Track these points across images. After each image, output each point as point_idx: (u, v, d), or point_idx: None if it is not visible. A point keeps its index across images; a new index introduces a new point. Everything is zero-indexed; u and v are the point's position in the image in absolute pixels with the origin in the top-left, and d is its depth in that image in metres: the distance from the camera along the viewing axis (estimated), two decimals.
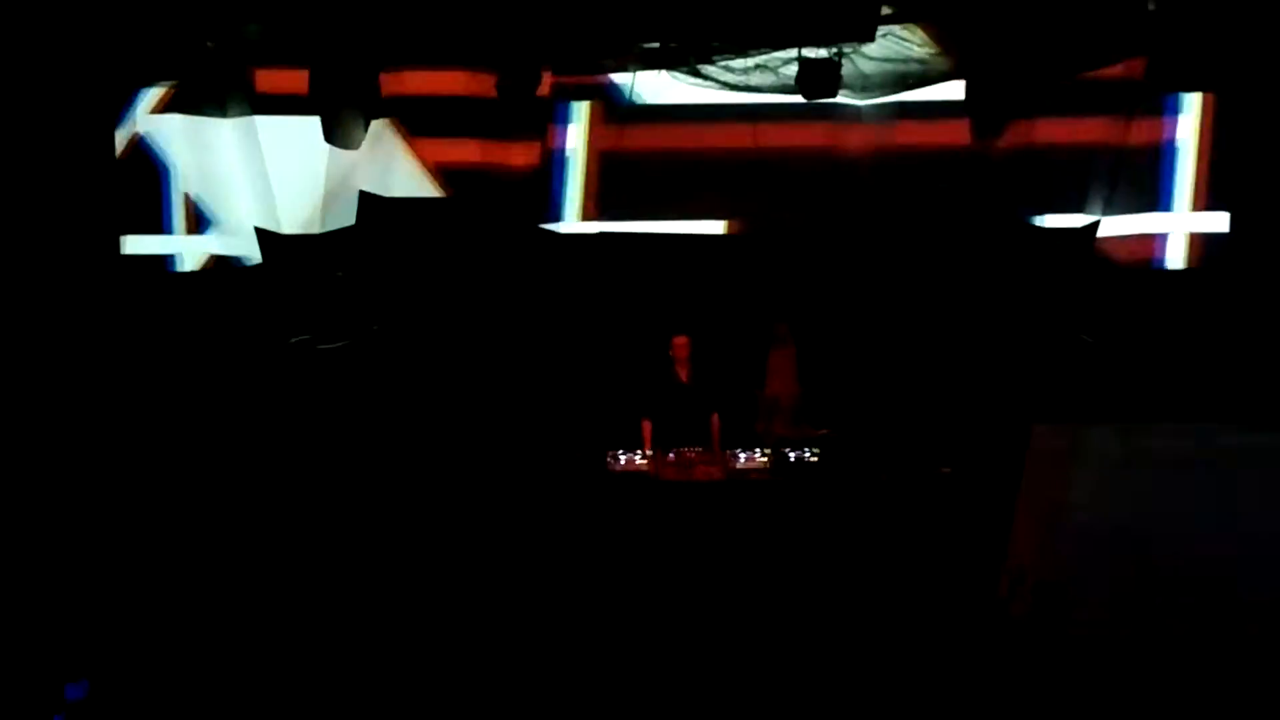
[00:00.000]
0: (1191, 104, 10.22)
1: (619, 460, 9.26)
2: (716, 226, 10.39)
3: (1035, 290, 10.04)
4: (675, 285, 10.57)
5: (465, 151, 10.23)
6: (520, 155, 10.25)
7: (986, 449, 9.26)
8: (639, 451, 9.36)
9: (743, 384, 10.09)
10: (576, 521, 8.93)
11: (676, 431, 9.71)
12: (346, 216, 9.92)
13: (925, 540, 8.78)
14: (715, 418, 9.89)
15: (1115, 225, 9.97)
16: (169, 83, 9.63)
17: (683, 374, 9.93)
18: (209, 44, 9.22)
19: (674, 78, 9.86)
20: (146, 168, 9.64)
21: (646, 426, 9.82)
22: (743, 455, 9.33)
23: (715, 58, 9.59)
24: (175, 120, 9.80)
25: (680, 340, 9.87)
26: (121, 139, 9.67)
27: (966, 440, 9.48)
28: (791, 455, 9.25)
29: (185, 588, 8.60)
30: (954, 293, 10.30)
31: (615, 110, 10.32)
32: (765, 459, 9.28)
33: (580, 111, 10.27)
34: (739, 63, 9.72)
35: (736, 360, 10.28)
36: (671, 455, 9.37)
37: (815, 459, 9.24)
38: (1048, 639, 8.29)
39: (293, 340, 9.72)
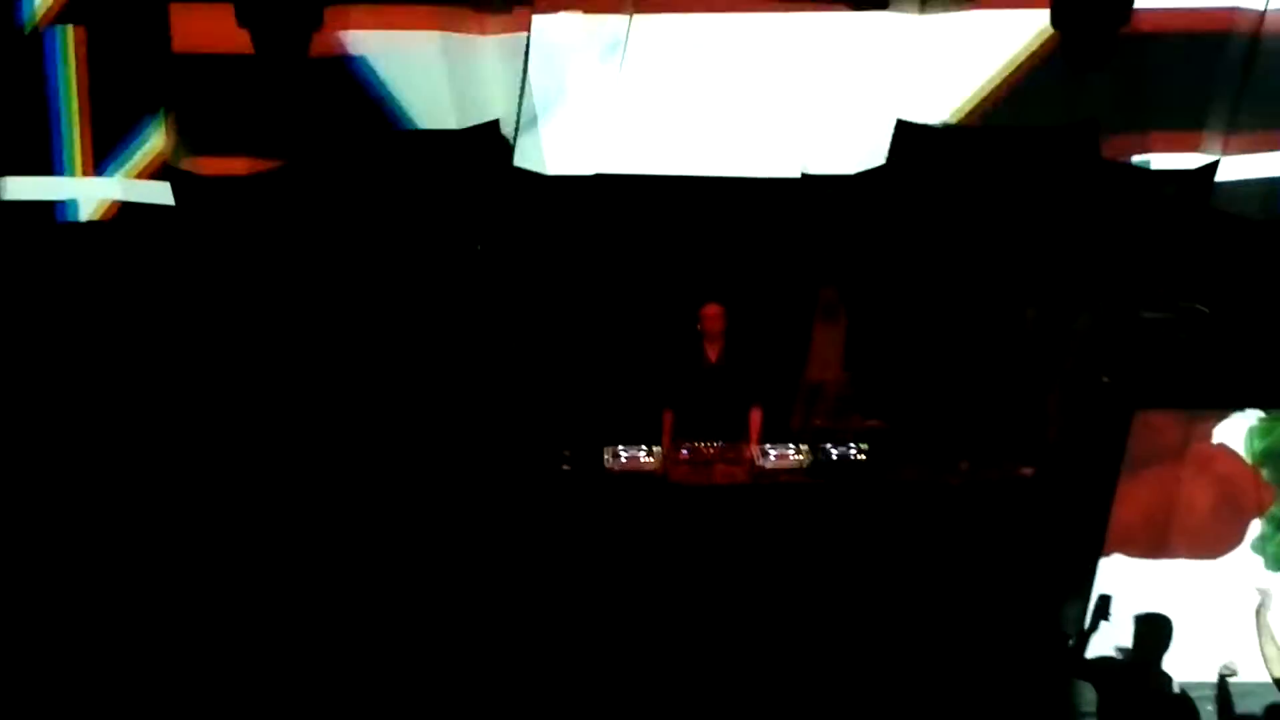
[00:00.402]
0: None
1: (619, 458, 7.89)
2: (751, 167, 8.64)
3: (1139, 248, 8.61)
4: (703, 239, 9.03)
5: None
6: None
7: (1077, 444, 8.08)
8: (644, 447, 7.95)
9: (784, 366, 8.81)
10: (564, 535, 7.62)
11: (702, 423, 8.26)
12: None
13: (999, 561, 7.58)
14: (756, 413, 8.32)
15: (1238, 167, 8.32)
16: None
17: (712, 352, 8.43)
18: None
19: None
20: (35, 88, 7.87)
21: (668, 418, 8.32)
22: (772, 452, 7.98)
23: None
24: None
25: (712, 310, 8.39)
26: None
27: (1052, 433, 8.32)
28: (834, 452, 7.94)
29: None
30: (1039, 250, 8.82)
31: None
32: (800, 457, 7.96)
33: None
34: None
35: (776, 335, 8.93)
36: (685, 452, 8.01)
37: (862, 457, 7.95)
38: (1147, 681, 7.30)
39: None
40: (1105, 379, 8.17)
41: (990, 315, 9.06)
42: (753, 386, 8.41)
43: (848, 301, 8.94)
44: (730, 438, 8.14)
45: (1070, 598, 7.68)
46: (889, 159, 7.87)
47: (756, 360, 8.53)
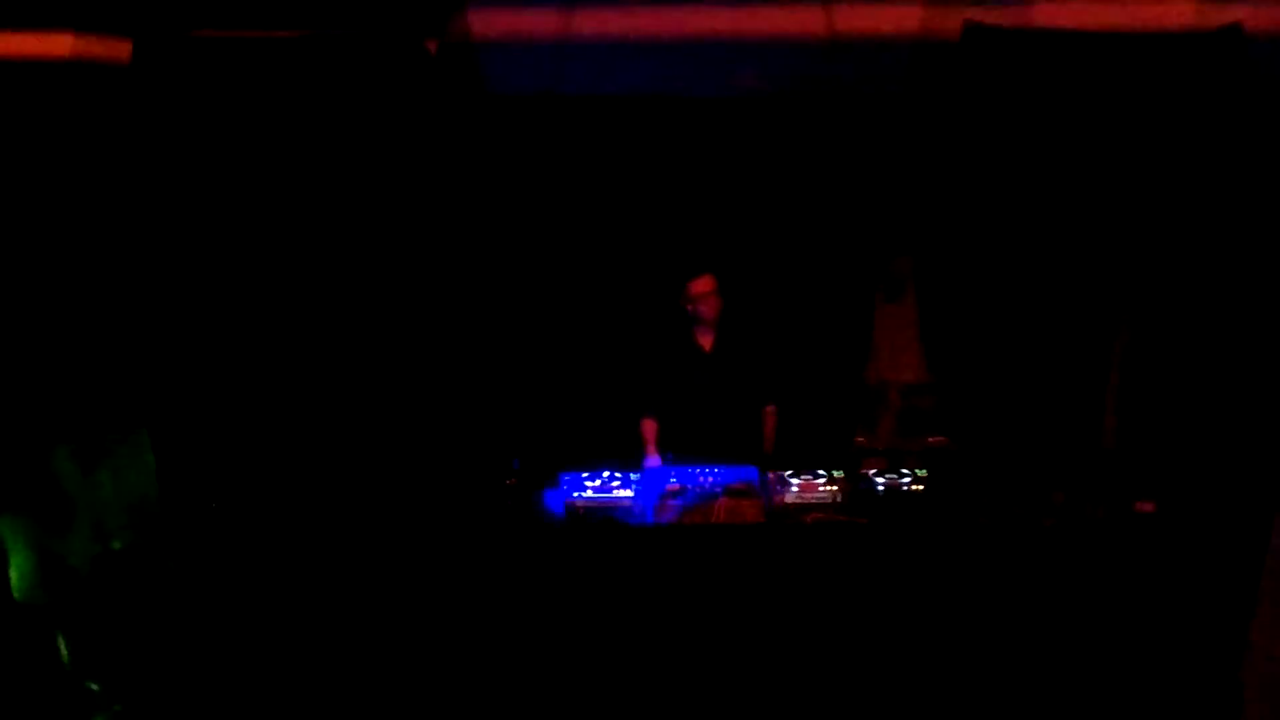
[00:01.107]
0: None
1: (584, 489, 6.20)
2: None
3: None
4: (693, 187, 7.62)
5: None
6: None
7: (1214, 473, 6.42)
8: (617, 473, 6.30)
9: (809, 359, 7.42)
10: (508, 596, 5.81)
11: (694, 435, 6.77)
12: None
13: (1109, 636, 5.79)
14: (770, 412, 6.99)
15: None
16: None
17: (705, 340, 7.02)
18: None
19: None
20: None
21: (649, 429, 6.91)
22: (795, 481, 6.24)
23: None
24: None
25: (702, 285, 6.98)
26: None
27: (1181, 458, 6.65)
28: (879, 481, 6.25)
29: None
30: (1164, 200, 7.07)
31: None
32: (834, 487, 6.22)
33: None
34: None
35: (802, 317, 7.60)
36: (675, 479, 6.29)
37: (919, 488, 6.25)
38: None
39: None
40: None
41: (1097, 287, 7.31)
42: (763, 383, 7.00)
43: (922, 277, 7.48)
44: (731, 456, 6.49)
45: (1211, 668, 5.67)
46: (956, 74, 6.47)
47: (766, 349, 7.08)
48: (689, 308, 6.93)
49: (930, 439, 6.74)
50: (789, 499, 6.16)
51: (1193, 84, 6.69)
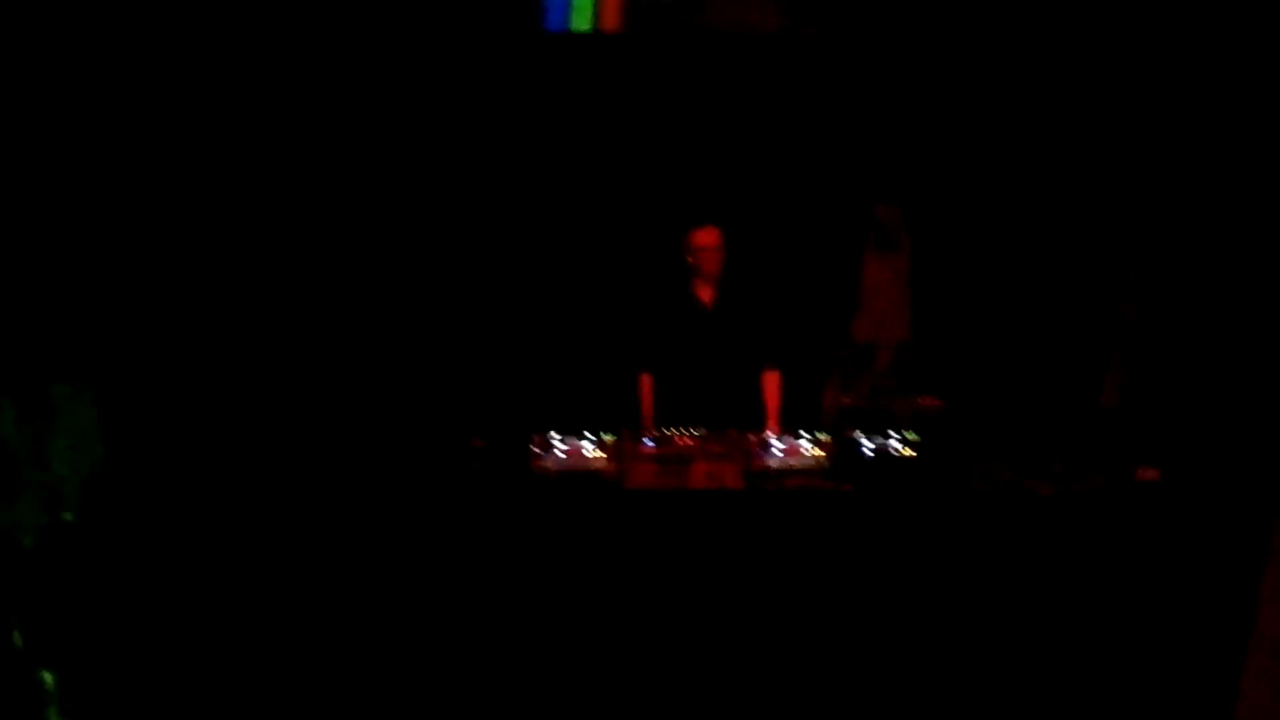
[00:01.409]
0: None
1: (553, 450, 5.83)
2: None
3: None
4: (694, 130, 7.39)
5: None
6: None
7: (1223, 439, 6.00)
8: (590, 436, 5.86)
9: (804, 317, 7.12)
10: (473, 567, 5.46)
11: (692, 396, 6.45)
12: None
13: (1110, 603, 5.49)
14: (773, 381, 6.62)
15: None
16: None
17: (705, 294, 6.63)
18: None
19: None
20: None
21: (646, 384, 6.57)
22: (779, 445, 5.85)
23: None
24: None
25: (706, 237, 6.60)
26: None
27: (1188, 422, 6.21)
28: (867, 445, 5.84)
29: None
30: (1181, 150, 6.71)
31: None
32: (819, 451, 5.84)
33: None
34: None
35: (795, 272, 7.33)
36: (649, 442, 5.87)
37: (910, 453, 5.87)
38: None
39: None
40: None
41: (1101, 237, 6.97)
42: (764, 343, 6.60)
43: (913, 226, 7.15)
44: (723, 420, 6.10)
45: (1216, 645, 5.37)
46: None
47: (769, 306, 6.71)
48: (689, 260, 6.55)
49: (921, 400, 6.34)
50: (771, 463, 5.78)
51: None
